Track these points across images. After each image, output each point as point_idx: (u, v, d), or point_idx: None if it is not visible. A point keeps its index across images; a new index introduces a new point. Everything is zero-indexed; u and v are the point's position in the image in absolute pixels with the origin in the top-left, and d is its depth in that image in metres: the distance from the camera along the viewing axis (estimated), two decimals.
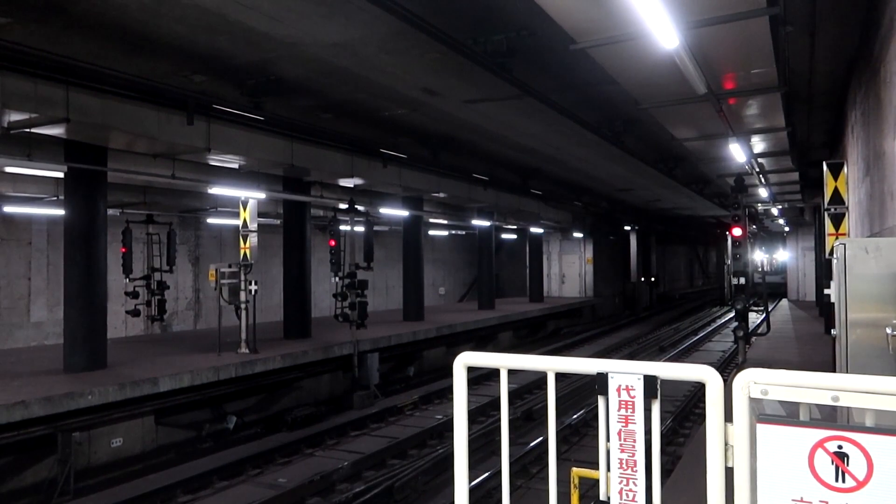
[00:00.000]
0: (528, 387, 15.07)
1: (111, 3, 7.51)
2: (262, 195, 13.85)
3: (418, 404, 14.04)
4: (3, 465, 8.62)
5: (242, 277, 12.84)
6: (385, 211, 18.85)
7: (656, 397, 1.91)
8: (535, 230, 28.19)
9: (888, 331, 3.99)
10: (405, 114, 12.83)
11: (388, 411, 13.22)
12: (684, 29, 5.97)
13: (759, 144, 13.02)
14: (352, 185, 16.42)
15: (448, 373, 2.03)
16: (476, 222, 23.36)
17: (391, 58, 9.36)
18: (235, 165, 12.98)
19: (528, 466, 9.74)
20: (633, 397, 1.94)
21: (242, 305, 12.80)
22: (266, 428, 12.17)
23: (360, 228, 17.57)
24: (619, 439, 1.96)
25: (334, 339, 14.37)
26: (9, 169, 10.88)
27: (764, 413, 1.73)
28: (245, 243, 12.97)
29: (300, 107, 12.19)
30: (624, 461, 1.96)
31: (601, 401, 2.00)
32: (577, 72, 10.05)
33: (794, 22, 7.69)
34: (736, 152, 12.27)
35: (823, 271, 16.34)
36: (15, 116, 8.86)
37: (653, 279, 38.95)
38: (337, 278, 14.61)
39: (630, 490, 1.95)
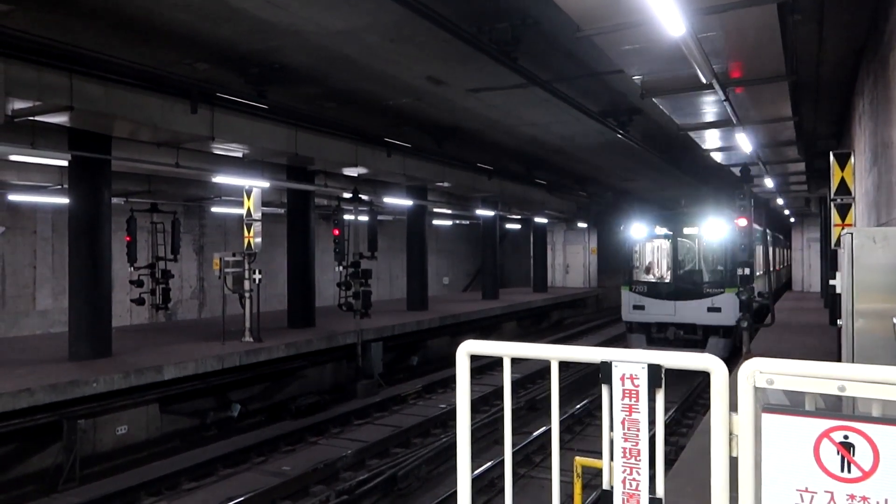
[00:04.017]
0: (532, 377, 15.08)
1: None
2: (265, 184, 13.84)
3: (422, 394, 14.08)
4: (9, 451, 8.68)
5: (246, 266, 12.86)
6: (389, 200, 18.83)
7: (660, 386, 1.90)
8: (539, 220, 28.13)
9: (895, 321, 3.96)
10: (409, 103, 12.78)
11: (391, 400, 13.26)
12: (691, 16, 5.91)
13: (765, 134, 12.93)
14: (356, 175, 16.40)
15: (452, 362, 2.06)
16: (480, 212, 23.32)
17: (395, 46, 9.31)
18: (239, 154, 12.96)
19: (532, 456, 9.76)
20: (637, 386, 1.92)
21: (246, 294, 12.82)
22: (270, 416, 12.21)
23: (364, 218, 17.57)
24: (623, 428, 1.95)
25: (338, 329, 14.39)
26: (13, 157, 10.90)
27: (769, 403, 1.71)
28: (249, 232, 12.97)
29: (304, 95, 12.16)
30: (627, 450, 1.95)
31: (605, 390, 1.98)
32: (582, 60, 9.99)
33: (802, 10, 7.61)
34: (742, 142, 12.18)
35: (828, 262, 16.26)
36: (18, 104, 8.85)
37: None
38: (341, 268, 14.62)
39: (633, 479, 1.94)
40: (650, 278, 15.33)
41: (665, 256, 15.52)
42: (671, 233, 15.00)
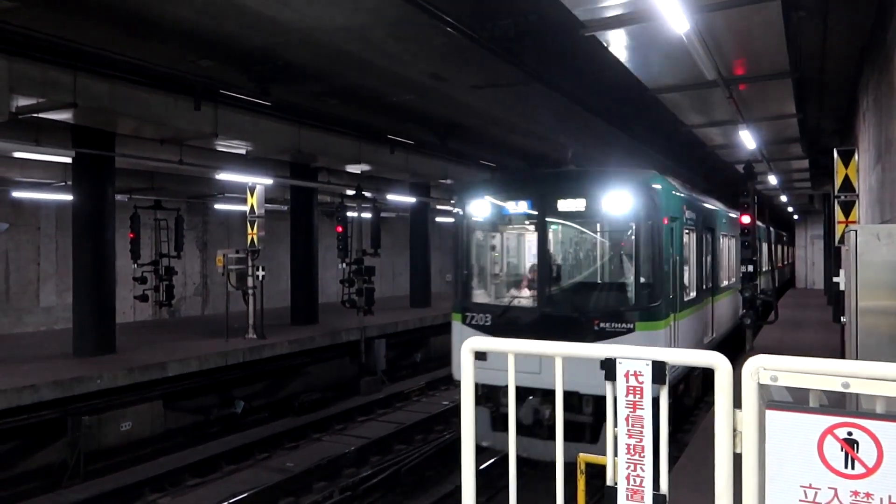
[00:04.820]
0: None
1: None
2: (269, 181, 13.85)
3: (425, 390, 14.09)
4: (13, 447, 8.71)
5: (250, 263, 12.89)
6: (392, 197, 18.82)
7: (665, 383, 1.90)
8: None
9: None
10: (412, 99, 12.74)
11: (394, 397, 13.27)
12: (696, 13, 5.90)
13: (769, 131, 12.89)
14: (359, 172, 16.39)
15: None
16: None
17: (398, 42, 9.29)
18: (243, 151, 12.97)
19: None
20: (641, 383, 1.93)
21: (250, 291, 12.85)
22: (273, 413, 12.24)
23: (367, 215, 17.58)
24: (627, 425, 1.96)
25: (341, 325, 14.41)
26: (17, 154, 10.91)
27: (773, 399, 1.71)
28: (252, 229, 12.99)
29: (307, 92, 12.14)
30: (631, 447, 1.95)
31: (609, 386, 1.98)
32: (585, 57, 9.96)
33: (806, 7, 7.59)
34: (746, 139, 12.16)
35: (832, 259, 16.21)
36: (23, 101, 8.87)
37: None
38: (344, 264, 14.64)
39: (637, 475, 1.95)
40: (499, 301, 8.20)
41: (524, 258, 8.99)
42: (536, 211, 7.78)
